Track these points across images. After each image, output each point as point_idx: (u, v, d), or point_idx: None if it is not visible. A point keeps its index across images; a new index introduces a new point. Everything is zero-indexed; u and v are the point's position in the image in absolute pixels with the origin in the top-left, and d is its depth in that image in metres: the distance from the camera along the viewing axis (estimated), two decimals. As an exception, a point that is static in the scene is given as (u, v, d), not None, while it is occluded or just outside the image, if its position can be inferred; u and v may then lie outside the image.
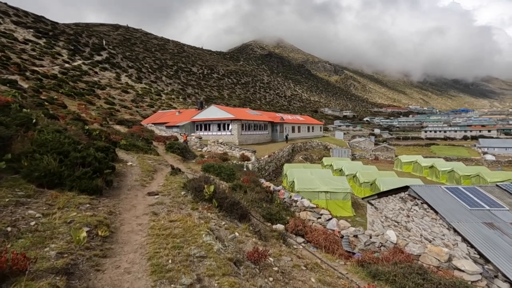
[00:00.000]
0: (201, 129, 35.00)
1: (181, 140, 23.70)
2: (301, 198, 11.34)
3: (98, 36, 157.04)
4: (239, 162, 20.38)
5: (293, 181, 16.45)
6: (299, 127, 49.71)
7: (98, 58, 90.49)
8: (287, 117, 49.07)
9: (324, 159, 32.02)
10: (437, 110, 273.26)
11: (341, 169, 25.36)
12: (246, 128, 34.24)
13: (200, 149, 25.47)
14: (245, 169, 17.31)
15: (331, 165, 28.76)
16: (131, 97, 64.92)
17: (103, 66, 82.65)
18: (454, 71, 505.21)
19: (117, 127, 27.95)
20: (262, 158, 24.34)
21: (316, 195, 15.00)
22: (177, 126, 33.79)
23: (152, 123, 35.75)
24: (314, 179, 16.47)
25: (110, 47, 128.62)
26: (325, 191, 15.09)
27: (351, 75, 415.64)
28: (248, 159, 21.99)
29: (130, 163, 9.83)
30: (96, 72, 73.89)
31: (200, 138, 26.39)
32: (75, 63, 71.27)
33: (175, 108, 57.96)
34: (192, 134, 28.97)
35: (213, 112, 33.89)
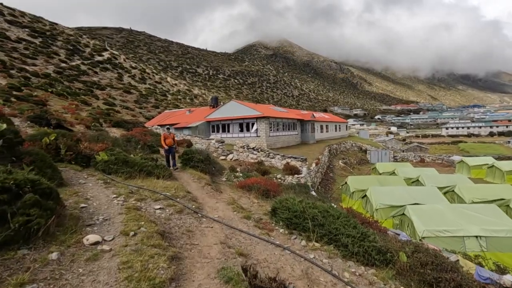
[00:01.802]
0: (218, 131, 28.31)
1: (193, 140, 17.13)
2: None
3: (101, 38, 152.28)
4: (291, 179, 13.61)
5: (408, 218, 9.44)
6: (327, 126, 42.76)
7: (99, 58, 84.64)
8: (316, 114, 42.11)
9: (377, 165, 24.88)
10: (446, 107, 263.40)
11: (417, 179, 18.32)
12: (274, 128, 27.46)
13: (223, 157, 18.78)
14: (313, 193, 10.49)
15: (393, 172, 21.79)
16: (134, 98, 58.79)
17: (104, 67, 76.70)
18: (464, 67, 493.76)
19: (113, 129, 21.48)
20: (311, 168, 17.52)
21: (458, 243, 8.13)
22: (189, 128, 27.19)
23: (158, 125, 29.24)
24: (448, 214, 9.43)
25: (113, 49, 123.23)
26: (477, 236, 8.23)
27: (357, 73, 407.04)
28: (297, 172, 15.17)
29: (91, 239, 3.07)
30: (96, 72, 68.01)
31: (223, 142, 19.67)
32: (73, 63, 65.45)
33: (182, 108, 51.44)
34: (211, 137, 22.32)
35: (233, 109, 27.19)
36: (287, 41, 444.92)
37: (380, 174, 23.74)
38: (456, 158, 36.96)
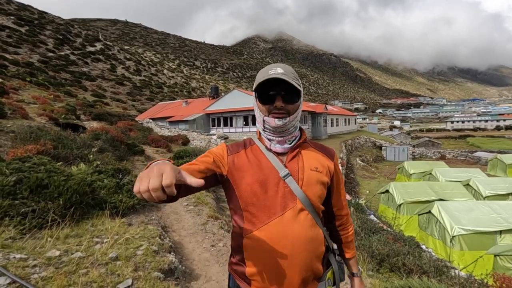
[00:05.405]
0: (219, 125, 24.54)
1: (199, 142, 13.41)
2: None
3: (95, 30, 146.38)
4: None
5: (436, 215, 7.23)
6: (337, 120, 39.07)
7: (91, 49, 79.99)
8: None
9: (406, 164, 21.14)
10: (446, 100, 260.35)
11: (468, 183, 14.57)
12: (284, 121, 23.70)
13: (227, 157, 15.01)
14: (373, 217, 6.85)
15: (430, 173, 18.18)
16: (127, 90, 54.73)
17: (96, 57, 72.23)
18: (465, 61, 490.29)
19: (93, 123, 17.72)
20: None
21: (491, 240, 6.81)
22: (186, 121, 23.40)
23: (150, 118, 25.46)
24: (478, 210, 8.24)
25: (107, 40, 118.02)
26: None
27: (357, 67, 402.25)
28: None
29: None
30: (86, 63, 63.71)
31: (226, 138, 15.93)
32: (62, 53, 61.02)
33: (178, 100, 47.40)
34: (212, 132, 18.56)
35: (237, 99, 23.40)
36: (286, 34, 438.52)
37: (411, 175, 20.22)
38: (482, 154, 33.40)
